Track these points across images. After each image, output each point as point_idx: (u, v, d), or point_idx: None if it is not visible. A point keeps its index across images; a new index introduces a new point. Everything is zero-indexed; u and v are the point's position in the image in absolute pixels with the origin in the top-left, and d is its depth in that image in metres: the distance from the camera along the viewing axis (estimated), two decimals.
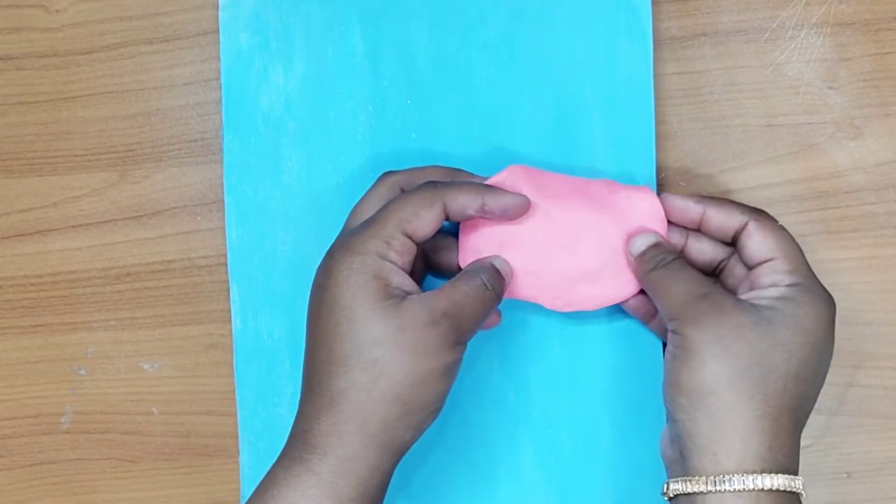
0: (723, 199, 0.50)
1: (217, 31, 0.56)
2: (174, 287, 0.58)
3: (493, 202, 0.49)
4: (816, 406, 0.54)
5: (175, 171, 0.58)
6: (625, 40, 0.55)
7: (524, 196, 0.50)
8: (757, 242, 0.49)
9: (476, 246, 0.51)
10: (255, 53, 0.56)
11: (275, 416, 0.56)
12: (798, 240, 0.54)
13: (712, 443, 0.45)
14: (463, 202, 0.48)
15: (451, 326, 0.46)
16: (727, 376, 0.45)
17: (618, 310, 0.54)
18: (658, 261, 0.49)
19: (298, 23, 0.56)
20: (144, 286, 0.58)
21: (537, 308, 0.53)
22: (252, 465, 0.56)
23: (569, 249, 0.50)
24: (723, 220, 0.50)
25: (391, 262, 0.46)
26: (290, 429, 0.47)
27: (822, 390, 0.54)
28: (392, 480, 0.48)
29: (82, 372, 0.58)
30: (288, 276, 0.56)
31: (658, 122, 0.56)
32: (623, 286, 0.51)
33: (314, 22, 0.56)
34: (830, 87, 0.55)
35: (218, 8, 0.56)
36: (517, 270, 0.51)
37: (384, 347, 0.45)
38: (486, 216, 0.49)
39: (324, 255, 0.48)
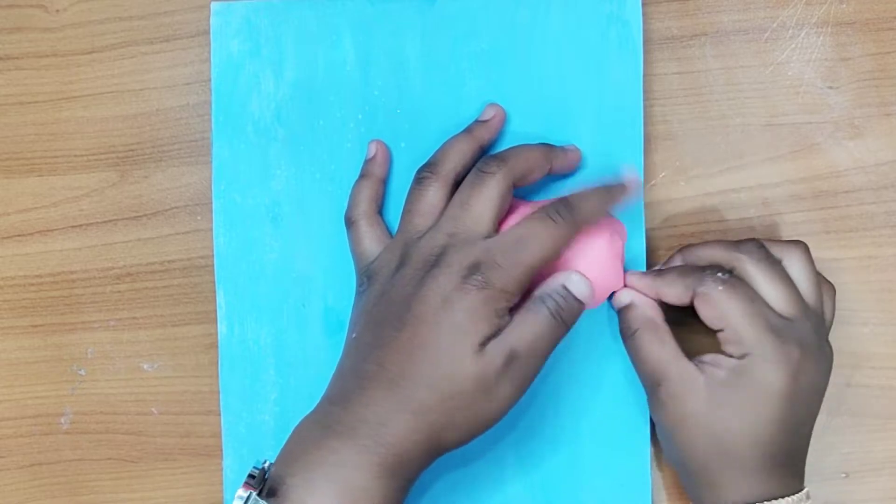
0: (672, 273, 0.51)
1: None
2: (174, 287, 0.57)
3: (616, 205, 0.51)
4: None
5: (175, 171, 0.58)
6: (615, 52, 0.55)
7: (573, 147, 0.54)
8: (704, 316, 0.50)
9: None
10: (245, 60, 0.56)
11: (259, 423, 0.56)
12: (797, 239, 0.55)
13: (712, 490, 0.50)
14: (592, 224, 0.50)
15: (520, 370, 0.47)
16: (701, 447, 0.49)
17: (603, 324, 0.54)
18: (630, 330, 0.52)
19: (290, 30, 0.56)
20: (144, 286, 0.58)
21: None
22: (235, 471, 0.56)
23: (560, 260, 0.50)
24: (675, 295, 0.51)
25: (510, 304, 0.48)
26: (299, 420, 0.48)
27: None
28: None
29: (82, 372, 0.58)
30: (275, 283, 0.55)
31: (658, 122, 0.56)
32: (614, 282, 0.52)
33: (305, 29, 0.56)
34: (830, 87, 0.55)
35: None
36: None
37: (468, 386, 0.46)
38: None
39: (436, 243, 0.49)
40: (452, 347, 0.46)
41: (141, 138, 0.58)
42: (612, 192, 0.51)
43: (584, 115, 0.55)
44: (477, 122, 0.54)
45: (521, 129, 0.55)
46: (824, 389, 0.51)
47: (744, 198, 0.55)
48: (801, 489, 0.50)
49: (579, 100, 0.55)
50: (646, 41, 0.55)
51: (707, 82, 0.56)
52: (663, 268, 0.53)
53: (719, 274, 0.50)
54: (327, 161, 0.56)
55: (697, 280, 0.50)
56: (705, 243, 0.52)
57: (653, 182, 0.56)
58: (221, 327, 0.56)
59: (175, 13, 0.57)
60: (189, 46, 0.57)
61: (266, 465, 0.46)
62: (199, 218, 0.57)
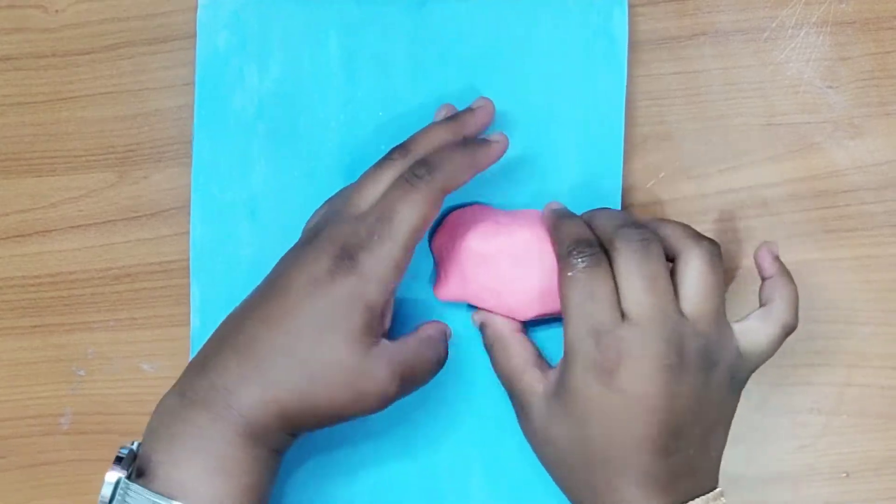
0: (565, 226, 0.49)
1: None
2: (173, 287, 0.57)
3: (485, 162, 0.49)
4: (815, 406, 0.55)
5: (174, 172, 0.58)
6: (600, 64, 0.55)
7: (501, 134, 0.50)
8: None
9: (446, 260, 0.52)
10: (231, 54, 0.56)
11: None
12: (797, 239, 0.55)
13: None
14: (458, 181, 0.48)
15: (398, 389, 0.47)
16: (552, 460, 0.48)
17: None
18: (485, 348, 0.51)
19: (277, 26, 0.56)
20: (143, 287, 0.58)
21: None
22: None
23: (530, 270, 0.51)
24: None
25: (390, 294, 0.46)
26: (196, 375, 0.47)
27: (820, 390, 0.55)
28: (336, 490, 0.53)
29: (82, 373, 0.58)
30: (250, 279, 0.55)
31: (657, 122, 0.56)
32: None
33: (292, 27, 0.56)
34: (830, 87, 0.55)
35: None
36: (479, 287, 0.51)
37: (339, 377, 0.45)
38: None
39: (321, 217, 0.49)
40: (316, 332, 0.45)
41: (139, 139, 0.58)
42: (475, 150, 0.49)
43: (567, 125, 0.55)
44: (464, 111, 0.52)
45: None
46: (711, 403, 0.46)
47: (743, 198, 0.55)
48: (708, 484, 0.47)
49: (562, 109, 0.55)
50: (645, 41, 0.55)
51: (706, 82, 0.55)
52: (573, 216, 0.50)
53: (586, 250, 0.46)
54: (307, 159, 0.56)
55: (567, 249, 0.47)
56: (605, 212, 0.49)
57: (652, 182, 0.56)
58: (194, 321, 0.56)
59: (173, 14, 0.57)
60: (187, 47, 0.57)
61: (134, 445, 0.45)
62: None
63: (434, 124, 0.51)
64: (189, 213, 0.57)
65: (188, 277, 0.57)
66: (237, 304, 0.55)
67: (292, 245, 0.51)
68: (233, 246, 0.56)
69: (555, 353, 0.54)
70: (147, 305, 0.58)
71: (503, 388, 0.52)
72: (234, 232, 0.56)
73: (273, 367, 0.45)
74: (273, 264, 0.54)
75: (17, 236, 0.58)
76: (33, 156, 0.58)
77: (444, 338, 0.51)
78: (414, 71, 0.55)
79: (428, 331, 0.50)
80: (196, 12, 0.56)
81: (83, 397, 0.58)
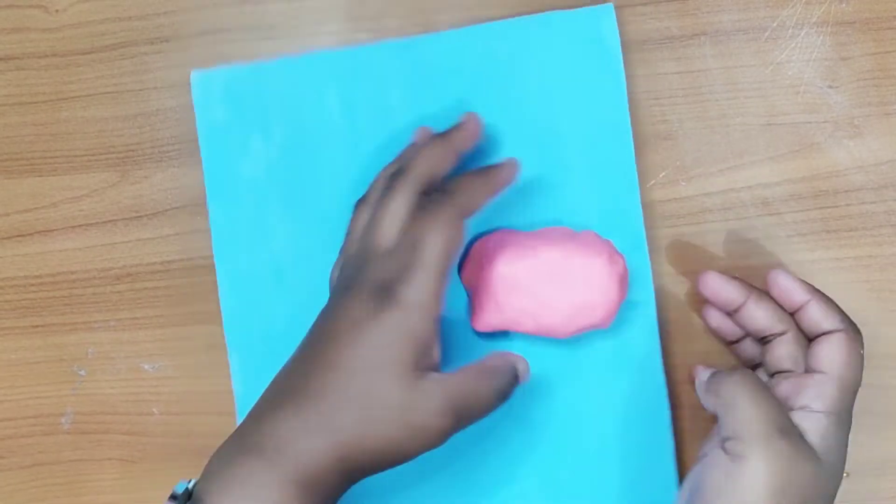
0: (828, 299, 0.50)
1: (217, 31, 0.56)
2: (174, 287, 0.58)
3: (500, 184, 0.50)
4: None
5: (175, 172, 0.58)
6: (597, 75, 0.54)
7: (512, 159, 0.51)
8: (825, 352, 0.48)
9: (477, 289, 0.52)
10: (232, 125, 0.56)
11: None
12: (797, 239, 0.55)
13: None
14: (475, 204, 0.49)
15: (454, 422, 0.46)
16: None
17: (623, 346, 0.54)
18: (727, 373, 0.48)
19: (272, 91, 0.56)
20: (144, 286, 0.58)
21: (540, 342, 0.53)
22: None
23: (563, 287, 0.51)
24: (819, 318, 0.49)
25: (433, 324, 0.46)
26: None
27: None
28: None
29: (82, 372, 0.58)
30: (286, 339, 0.54)
31: (658, 122, 0.56)
32: (618, 301, 0.52)
33: (288, 88, 0.56)
34: (830, 87, 0.55)
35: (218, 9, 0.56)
36: (515, 312, 0.51)
37: (392, 414, 0.45)
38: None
39: (345, 265, 0.49)
40: (367, 372, 0.45)
41: (141, 138, 0.58)
42: (488, 174, 0.50)
43: (574, 137, 0.55)
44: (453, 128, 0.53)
45: None
46: None
47: (744, 197, 0.55)
48: None
49: (567, 122, 0.55)
50: (646, 40, 0.55)
51: (707, 82, 0.56)
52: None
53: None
54: (324, 216, 0.55)
55: (848, 322, 0.49)
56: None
57: (653, 182, 0.56)
58: (237, 388, 0.56)
59: (174, 13, 0.57)
60: (188, 47, 0.57)
61: (191, 484, 0.45)
62: (198, 218, 0.57)
63: (421, 142, 0.51)
64: (191, 214, 0.57)
65: (189, 277, 0.57)
66: (278, 365, 0.54)
67: (325, 301, 0.51)
68: (264, 309, 0.56)
69: (596, 367, 0.54)
70: (148, 305, 0.58)
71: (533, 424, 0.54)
72: (264, 296, 0.56)
73: (330, 415, 0.45)
74: (306, 322, 0.54)
75: (18, 236, 0.58)
76: (34, 155, 0.58)
77: (511, 370, 0.49)
78: (413, 111, 0.55)
79: (492, 362, 0.49)
80: (196, 12, 0.57)
81: (84, 397, 0.58)
